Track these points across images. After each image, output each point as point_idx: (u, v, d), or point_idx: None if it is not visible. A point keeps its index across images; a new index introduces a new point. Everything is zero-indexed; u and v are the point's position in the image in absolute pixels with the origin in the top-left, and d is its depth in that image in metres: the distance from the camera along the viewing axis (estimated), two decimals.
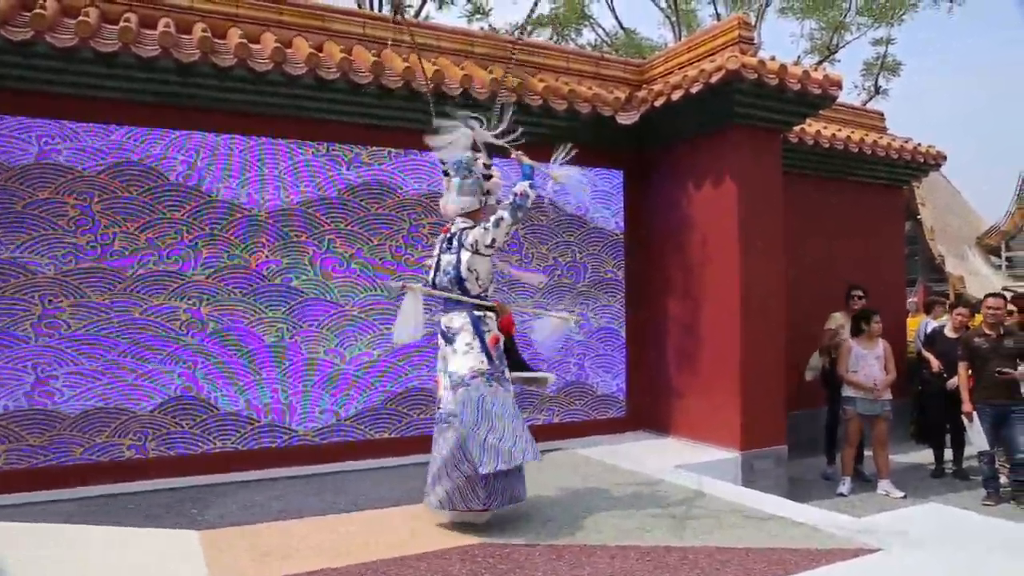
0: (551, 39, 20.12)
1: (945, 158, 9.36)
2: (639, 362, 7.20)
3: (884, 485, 6.73)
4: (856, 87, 21.53)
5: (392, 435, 6.03)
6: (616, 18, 23.33)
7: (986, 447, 6.37)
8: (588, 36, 21.88)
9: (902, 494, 6.59)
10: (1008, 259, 20.90)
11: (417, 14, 17.48)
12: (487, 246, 4.22)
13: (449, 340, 4.24)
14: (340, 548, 3.83)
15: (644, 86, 7.16)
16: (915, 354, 8.62)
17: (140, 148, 5.29)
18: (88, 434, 5.08)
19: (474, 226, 4.29)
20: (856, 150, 8.21)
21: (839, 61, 21.36)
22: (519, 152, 4.43)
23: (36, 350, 4.97)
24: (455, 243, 4.31)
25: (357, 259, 5.96)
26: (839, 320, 7.25)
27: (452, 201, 4.39)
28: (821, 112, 7.11)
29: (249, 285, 5.59)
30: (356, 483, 5.22)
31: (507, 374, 4.33)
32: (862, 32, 20.94)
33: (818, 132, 7.95)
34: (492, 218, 4.23)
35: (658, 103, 6.53)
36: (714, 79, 5.92)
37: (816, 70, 6.49)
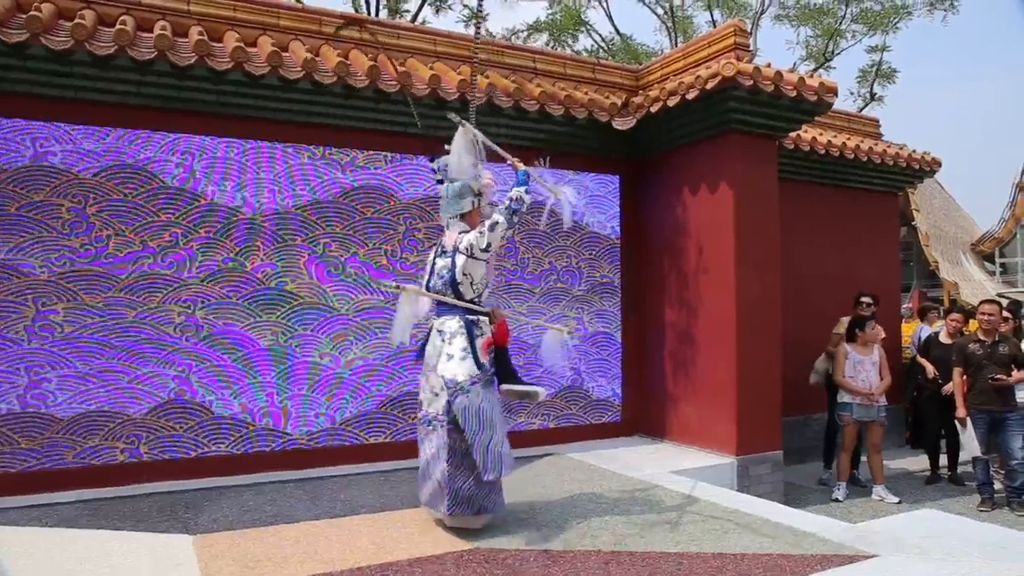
0: (548, 45, 20.17)
1: (940, 164, 9.39)
2: (635, 367, 7.20)
3: (879, 491, 6.74)
4: (852, 94, 21.65)
5: (387, 439, 6.02)
6: (613, 24, 23.49)
7: (980, 453, 6.39)
8: (585, 42, 21.97)
9: (897, 500, 6.61)
10: (1002, 265, 20.97)
11: (414, 19, 17.52)
12: (482, 250, 4.21)
13: (442, 344, 4.23)
14: (334, 553, 3.82)
15: (640, 92, 7.18)
16: (910, 360, 8.64)
17: (135, 151, 5.28)
18: (81, 437, 5.06)
19: (469, 230, 4.29)
20: (851, 156, 8.23)
21: (834, 68, 21.56)
22: (514, 158, 4.46)
23: (29, 353, 4.95)
24: (450, 247, 4.31)
25: (352, 263, 5.95)
26: (844, 325, 7.24)
27: (446, 205, 4.40)
28: (816, 119, 7.13)
29: (244, 289, 5.57)
30: (351, 488, 5.21)
31: (495, 381, 4.34)
32: (857, 40, 21.06)
33: (814, 139, 7.97)
34: (487, 222, 4.23)
35: (654, 109, 6.54)
36: (710, 85, 5.94)
37: (811, 77, 6.51)
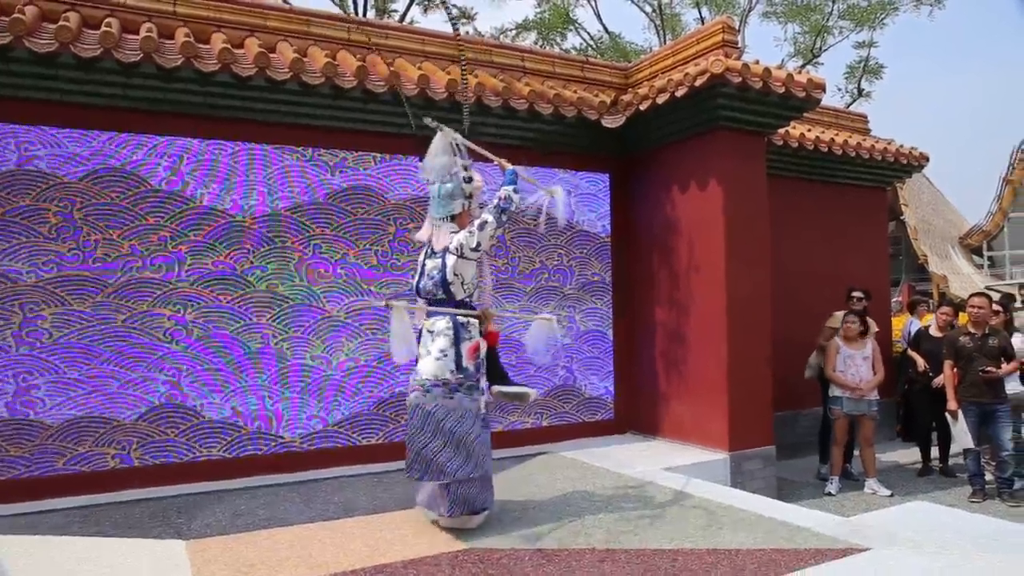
0: (536, 43, 20.17)
1: (928, 159, 9.44)
2: (627, 365, 7.21)
3: (871, 484, 6.78)
4: (839, 90, 21.74)
5: (380, 440, 6.00)
6: (601, 22, 23.45)
7: (971, 445, 6.43)
8: (573, 40, 21.96)
9: (889, 492, 6.64)
10: (990, 258, 21.13)
11: (402, 18, 17.48)
12: (472, 249, 4.21)
13: (429, 343, 4.22)
14: (328, 556, 3.80)
15: (629, 90, 7.19)
16: (900, 354, 8.69)
17: (122, 154, 5.24)
18: (71, 444, 5.02)
19: (459, 231, 4.28)
20: (840, 152, 8.27)
21: (822, 64, 21.60)
22: (500, 159, 4.47)
23: (17, 359, 4.91)
24: (439, 248, 4.30)
25: (343, 264, 5.93)
26: (839, 320, 7.24)
27: (436, 206, 4.39)
28: (805, 115, 7.16)
29: (234, 291, 5.55)
30: (344, 490, 5.19)
31: (482, 383, 4.31)
32: (844, 36, 21.15)
33: (802, 135, 8.00)
34: (476, 222, 4.25)
35: (643, 107, 6.55)
36: (698, 82, 5.94)
37: (800, 73, 6.53)
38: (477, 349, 4.26)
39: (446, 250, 4.25)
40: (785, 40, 22.32)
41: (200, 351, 5.42)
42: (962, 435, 6.43)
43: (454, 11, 18.59)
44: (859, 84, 21.62)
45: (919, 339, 7.88)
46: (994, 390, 6.40)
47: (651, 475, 5.41)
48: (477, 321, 4.33)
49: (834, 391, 6.91)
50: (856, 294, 7.46)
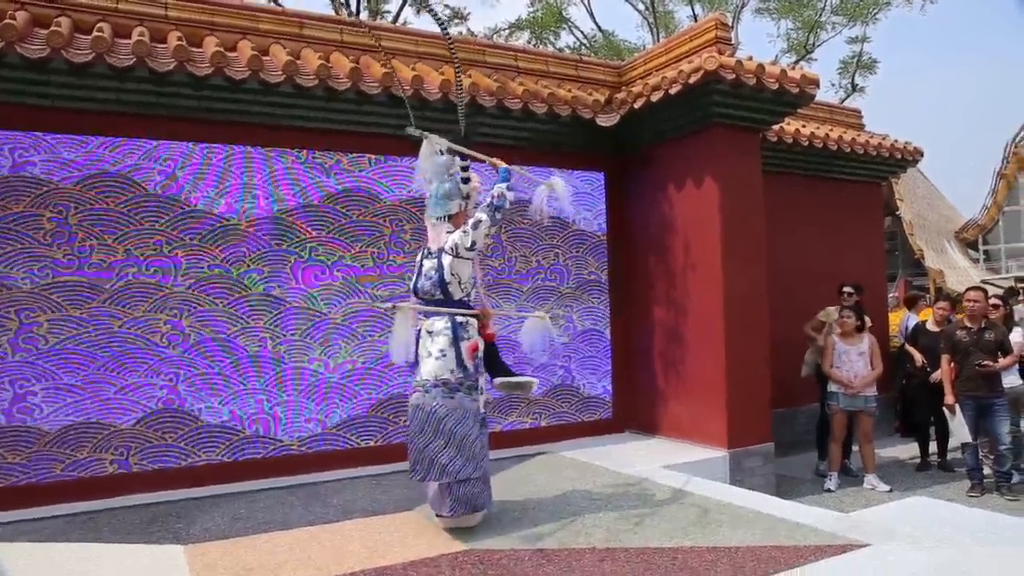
0: (530, 43, 20.16)
1: (922, 154, 9.46)
2: (625, 363, 7.21)
3: (870, 479, 6.78)
4: (833, 85, 21.78)
5: (378, 443, 6.00)
6: (594, 21, 23.50)
7: (969, 439, 6.43)
8: (567, 39, 21.96)
9: (888, 488, 6.65)
10: (985, 252, 21.17)
11: (395, 19, 17.47)
12: (467, 249, 4.22)
13: (429, 344, 4.22)
14: (327, 559, 3.80)
15: (623, 88, 7.18)
16: (897, 349, 8.70)
17: (116, 159, 5.23)
18: (69, 450, 5.01)
19: (455, 231, 4.28)
20: (834, 148, 8.28)
21: (816, 60, 21.62)
22: (493, 158, 4.49)
23: (13, 366, 4.89)
24: (435, 248, 4.30)
25: (339, 266, 5.92)
26: (832, 315, 7.25)
27: (433, 206, 4.40)
28: (799, 111, 7.16)
29: (231, 295, 5.54)
30: (343, 492, 5.18)
31: (482, 382, 4.32)
32: (837, 31, 21.19)
33: (796, 131, 8.00)
34: (471, 221, 4.26)
35: (637, 104, 6.55)
36: (692, 80, 5.95)
37: (793, 69, 6.53)
38: (476, 348, 4.27)
39: (442, 250, 4.25)
40: (778, 36, 22.34)
41: (197, 355, 5.41)
42: (960, 429, 6.44)
43: (445, 13, 18.62)
44: (852, 79, 21.67)
45: (917, 334, 7.89)
46: (991, 384, 6.41)
47: (650, 473, 5.41)
48: (475, 320, 4.33)
49: (831, 387, 6.93)
50: (846, 289, 7.47)
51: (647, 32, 22.13)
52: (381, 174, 6.12)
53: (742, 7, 21.27)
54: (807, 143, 8.02)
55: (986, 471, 6.64)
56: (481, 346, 4.32)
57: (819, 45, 21.50)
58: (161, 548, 4.04)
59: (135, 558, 3.89)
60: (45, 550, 4.03)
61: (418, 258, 4.46)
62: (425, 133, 4.30)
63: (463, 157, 4.44)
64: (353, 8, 17.02)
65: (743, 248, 6.28)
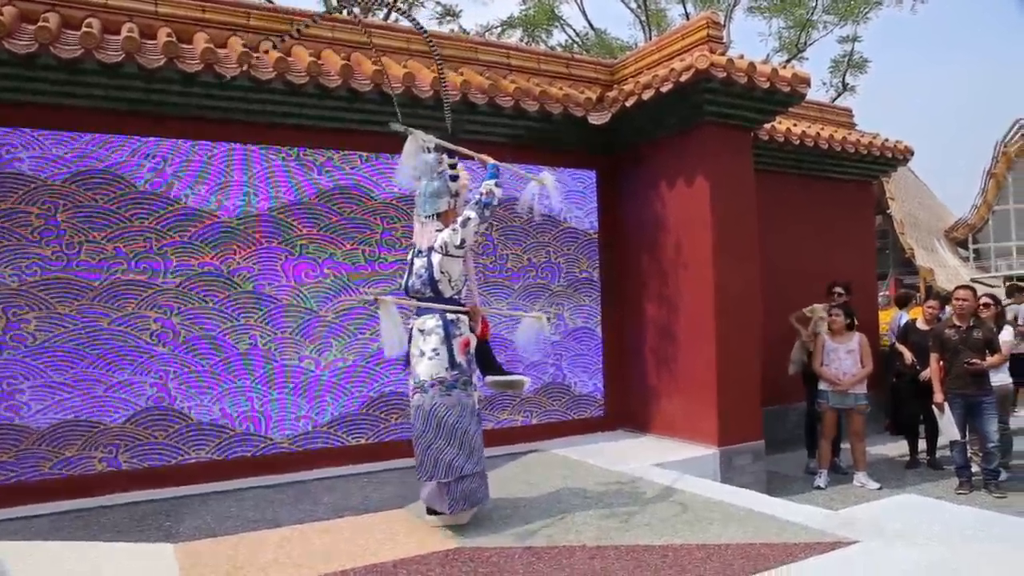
0: (522, 40, 20.14)
1: (913, 153, 9.50)
2: (616, 361, 7.22)
3: (860, 477, 6.82)
4: (824, 84, 21.84)
5: (369, 441, 5.99)
6: (586, 19, 23.48)
7: (957, 437, 6.47)
8: (559, 37, 21.95)
9: (878, 485, 6.68)
10: (975, 251, 21.31)
11: (387, 16, 17.40)
12: (456, 247, 4.21)
13: (420, 342, 4.22)
14: (317, 557, 3.79)
15: (615, 86, 7.19)
16: (888, 347, 8.74)
17: (105, 156, 5.20)
18: (58, 448, 4.98)
19: (444, 228, 4.28)
20: (825, 146, 8.31)
21: (807, 59, 21.67)
22: (481, 155, 4.49)
23: (1, 364, 4.86)
24: (425, 247, 4.30)
25: (330, 264, 5.91)
26: (818, 311, 7.26)
27: (422, 203, 4.39)
28: (790, 110, 7.18)
29: (221, 292, 5.51)
30: (333, 490, 5.17)
31: (475, 378, 4.33)
32: (829, 31, 21.24)
33: (788, 130, 8.03)
34: (459, 219, 4.26)
35: (629, 103, 6.55)
36: (684, 78, 5.95)
37: (784, 68, 6.55)
38: (468, 345, 4.27)
39: (431, 248, 4.25)
40: (770, 35, 22.39)
41: (187, 353, 5.38)
42: (949, 427, 6.47)
43: (436, 10, 18.59)
44: (844, 78, 21.74)
45: (907, 332, 7.93)
46: (979, 382, 6.44)
47: (641, 471, 5.42)
48: (466, 317, 4.33)
49: (821, 385, 6.96)
50: (836, 289, 7.51)
51: (639, 30, 22.15)
52: (373, 171, 6.11)
53: (734, 6, 21.31)
54: (798, 142, 8.04)
55: (974, 469, 6.68)
56: (473, 342, 4.33)
57: (811, 44, 21.56)
58: (151, 546, 4.02)
59: (125, 556, 3.87)
60: (34, 549, 4.00)
61: (409, 256, 4.46)
62: (410, 129, 4.28)
63: (451, 154, 4.43)
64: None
65: (735, 246, 6.29)
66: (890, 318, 9.18)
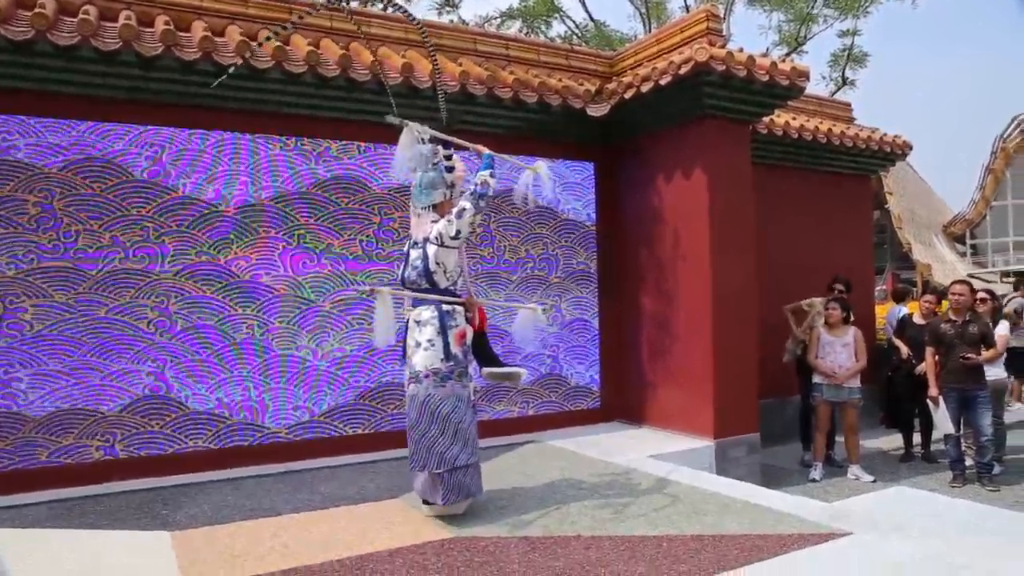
0: (521, 31, 20.07)
1: (911, 147, 9.50)
2: (613, 353, 7.23)
3: (854, 470, 6.85)
4: (824, 78, 21.78)
5: (366, 431, 6.00)
6: (586, 10, 23.32)
7: (952, 430, 6.50)
8: (558, 28, 21.85)
9: (872, 478, 6.71)
10: (972, 246, 21.34)
11: (385, 6, 17.33)
12: (452, 238, 4.21)
13: (416, 334, 4.23)
14: (314, 546, 3.80)
15: (614, 78, 7.18)
16: (885, 341, 8.76)
17: (103, 144, 5.18)
18: (55, 436, 4.99)
19: (440, 220, 4.27)
20: (824, 140, 8.30)
21: (807, 53, 21.59)
22: (477, 145, 4.49)
23: None
24: (420, 238, 4.29)
25: (327, 254, 5.91)
26: (816, 306, 7.26)
27: (417, 195, 4.39)
28: (789, 103, 7.18)
29: (218, 282, 5.51)
30: (330, 480, 5.18)
31: (471, 369, 4.34)
32: (829, 24, 21.17)
33: (786, 123, 8.02)
34: (455, 210, 4.25)
35: (628, 95, 6.54)
36: (683, 71, 5.94)
37: (784, 62, 6.54)
38: (464, 336, 4.27)
39: (427, 240, 4.25)
40: (770, 28, 22.31)
41: (184, 342, 5.38)
42: (943, 421, 6.50)
43: (436, 1, 18.51)
44: (843, 72, 21.68)
45: (903, 326, 7.95)
46: (974, 376, 6.46)
47: (637, 463, 5.44)
48: (462, 308, 4.33)
49: (816, 378, 6.98)
50: (837, 286, 7.53)
51: (639, 23, 22.04)
52: (370, 162, 6.10)
53: None
54: (797, 135, 8.04)
55: (968, 462, 6.71)
56: (469, 334, 4.33)
57: (810, 38, 21.46)
58: (148, 534, 4.03)
59: (122, 545, 3.88)
60: (31, 536, 4.01)
61: (406, 247, 4.46)
62: (405, 121, 4.26)
63: (446, 145, 4.42)
64: None
65: (732, 240, 6.30)
66: (887, 312, 9.20)
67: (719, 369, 6.19)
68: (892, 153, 9.32)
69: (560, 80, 6.78)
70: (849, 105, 9.96)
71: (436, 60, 4.68)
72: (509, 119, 6.51)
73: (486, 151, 4.46)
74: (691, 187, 6.41)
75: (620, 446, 6.07)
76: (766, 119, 7.42)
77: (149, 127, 5.31)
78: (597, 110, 6.71)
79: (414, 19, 4.91)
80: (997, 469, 6.70)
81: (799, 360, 7.33)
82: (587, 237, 7.17)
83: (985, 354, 6.49)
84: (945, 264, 19.02)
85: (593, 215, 7.20)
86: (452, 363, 4.17)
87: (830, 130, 8.44)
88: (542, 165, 4.75)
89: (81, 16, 4.82)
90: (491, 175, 4.33)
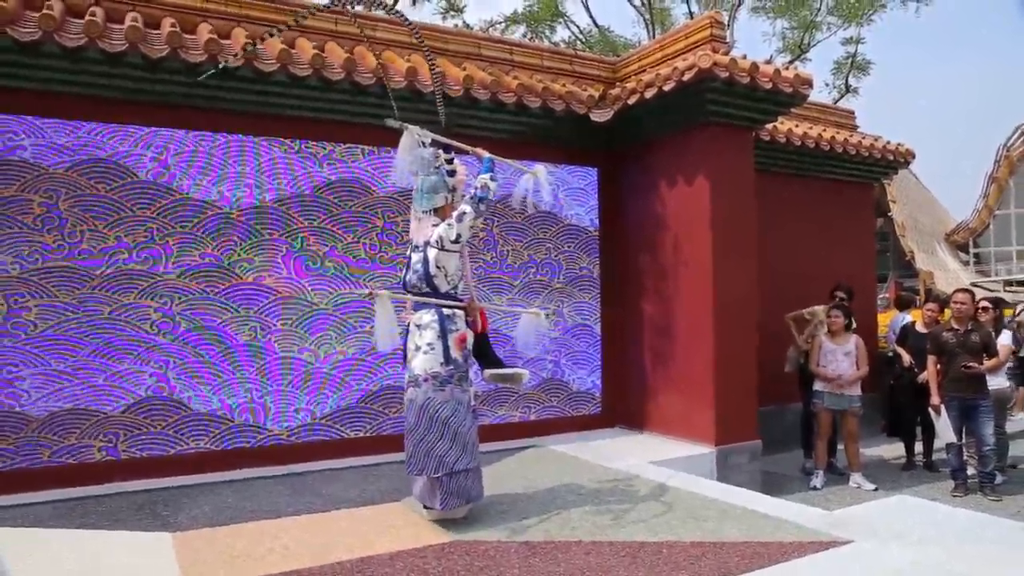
0: (525, 37, 20.11)
1: (914, 155, 9.50)
2: (614, 359, 7.23)
3: (856, 478, 6.84)
4: (827, 86, 21.82)
5: (368, 434, 6.00)
6: (590, 16, 23.44)
7: (954, 439, 6.49)
8: (562, 33, 21.91)
9: (873, 487, 6.70)
10: (975, 255, 21.30)
11: (390, 11, 17.37)
12: (452, 241, 4.22)
13: (417, 337, 4.23)
14: (314, 548, 3.81)
15: (618, 84, 7.19)
16: (888, 350, 8.74)
17: (108, 145, 5.20)
18: (57, 436, 5.00)
19: (440, 223, 4.28)
20: (827, 148, 8.31)
21: (810, 60, 21.63)
22: (477, 148, 4.50)
23: (1, 351, 4.87)
24: (421, 242, 4.30)
25: (331, 257, 5.92)
26: (819, 314, 7.27)
27: (419, 199, 4.40)
28: (792, 110, 7.19)
29: (221, 284, 5.52)
30: (331, 483, 5.19)
31: (471, 374, 4.33)
32: (832, 32, 21.22)
33: (789, 130, 8.03)
34: (455, 213, 4.26)
35: (631, 101, 6.55)
36: (686, 77, 5.96)
37: (787, 69, 6.55)
38: (464, 340, 4.27)
39: (427, 243, 4.25)
40: (773, 35, 22.35)
41: (187, 343, 5.39)
42: (945, 430, 6.49)
43: (441, 5, 18.56)
44: (847, 80, 21.71)
45: (906, 335, 7.94)
46: (976, 385, 6.45)
47: (638, 469, 5.44)
48: (463, 312, 4.33)
49: (817, 385, 6.98)
50: (839, 294, 7.53)
51: (643, 29, 22.10)
52: (374, 165, 6.11)
53: (738, 5, 21.27)
54: (800, 143, 8.05)
55: (970, 472, 6.70)
56: (470, 337, 4.33)
57: (814, 45, 21.51)
58: (149, 535, 4.04)
59: (122, 545, 3.88)
60: (31, 536, 4.02)
61: (408, 251, 4.47)
62: (405, 124, 4.28)
63: (447, 149, 4.43)
64: None
65: (734, 246, 6.31)
66: (889, 320, 9.18)
67: (720, 375, 6.19)
68: (895, 161, 9.33)
69: (564, 85, 6.79)
70: (852, 113, 9.97)
71: (433, 61, 4.69)
72: (513, 124, 6.53)
73: (486, 154, 4.47)
74: (693, 193, 6.41)
75: (621, 452, 6.07)
76: (769, 126, 7.43)
77: (154, 128, 5.33)
78: (600, 116, 6.73)
79: (408, 22, 4.93)
80: (999, 479, 6.68)
81: (801, 368, 7.33)
82: (590, 242, 7.18)
83: (987, 363, 6.48)
84: (948, 272, 18.99)
85: (596, 220, 7.21)
86: (452, 367, 4.17)
87: (833, 138, 8.45)
88: (541, 169, 4.79)
89: (88, 18, 4.85)
90: (491, 178, 4.34)
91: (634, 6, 22.02)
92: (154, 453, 5.27)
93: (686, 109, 6.35)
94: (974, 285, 14.60)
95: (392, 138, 5.28)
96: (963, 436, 6.61)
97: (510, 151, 5.56)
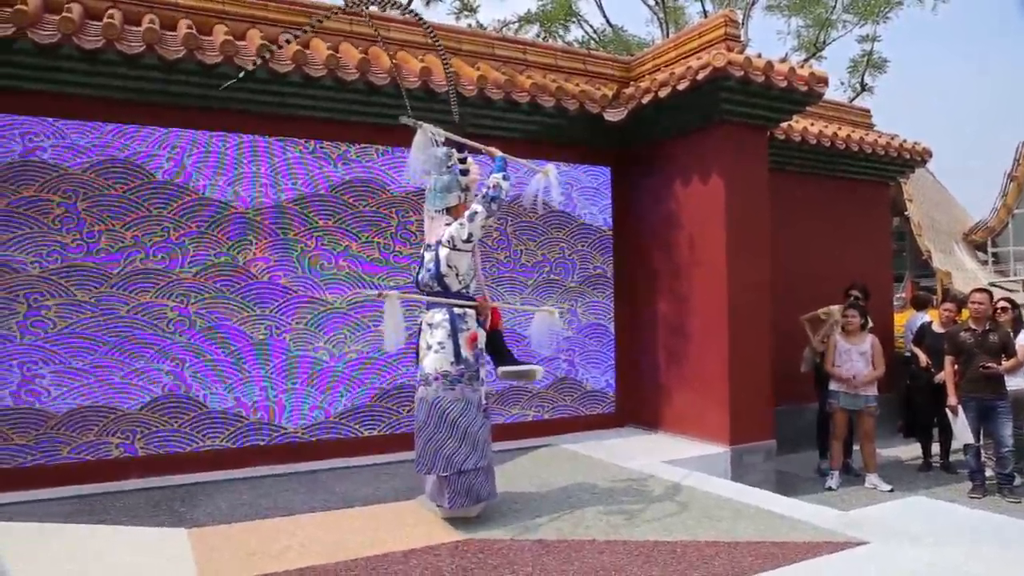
0: (539, 36, 20.11)
1: (931, 154, 9.42)
2: (628, 358, 7.22)
3: (872, 479, 6.79)
4: (843, 84, 21.65)
5: (382, 432, 6.03)
6: (604, 15, 23.35)
7: (971, 440, 6.43)
8: (576, 33, 21.87)
9: (889, 487, 6.65)
10: (994, 255, 21.07)
11: (404, 11, 17.42)
12: (464, 241, 4.22)
13: (428, 336, 4.24)
14: (329, 546, 3.83)
15: (632, 83, 7.18)
16: (904, 350, 8.67)
17: (126, 145, 5.26)
18: (75, 433, 5.06)
19: (452, 222, 4.29)
20: (842, 147, 8.26)
21: (825, 58, 21.47)
22: (489, 147, 4.50)
23: (21, 349, 4.93)
24: (434, 241, 4.31)
25: (345, 256, 5.95)
26: (834, 314, 7.22)
27: (432, 198, 4.41)
28: (807, 109, 7.15)
29: (237, 283, 5.57)
30: (345, 481, 5.21)
31: (483, 373, 4.33)
32: (848, 30, 21.05)
33: (804, 129, 7.99)
34: (467, 213, 4.26)
35: (645, 100, 6.54)
36: (701, 76, 5.94)
37: (802, 67, 6.52)
38: (475, 339, 4.28)
39: (439, 242, 4.26)
40: (788, 34, 22.20)
41: (203, 342, 5.44)
42: (962, 431, 6.44)
43: (455, 5, 18.59)
44: (862, 79, 21.53)
45: (923, 335, 7.87)
46: (994, 386, 6.40)
47: (651, 468, 5.43)
48: (474, 312, 4.34)
49: (832, 385, 6.94)
50: (854, 292, 7.47)
51: (657, 28, 22.03)
52: (389, 165, 6.14)
53: (752, 4, 21.14)
54: (815, 141, 8.00)
55: (988, 473, 6.64)
56: (481, 337, 4.34)
57: (829, 43, 21.35)
58: (165, 531, 4.08)
59: (139, 541, 3.93)
60: (51, 531, 4.07)
61: (422, 250, 4.48)
62: (419, 122, 4.28)
63: (460, 148, 4.44)
64: None
65: (748, 246, 6.28)
66: (906, 320, 9.11)
67: (734, 375, 6.17)
68: (911, 160, 9.25)
69: (577, 85, 6.79)
70: (868, 111, 9.89)
71: (447, 60, 4.69)
72: (526, 123, 6.53)
73: (499, 153, 4.48)
74: (707, 192, 6.39)
75: (634, 451, 6.06)
76: (784, 125, 7.39)
77: (171, 129, 5.39)
78: (614, 115, 6.72)
79: (422, 21, 4.95)
80: (1018, 480, 6.62)
81: (817, 368, 7.29)
82: (603, 241, 7.17)
83: (1006, 364, 6.42)
84: (966, 272, 18.79)
85: (609, 220, 7.20)
86: (462, 366, 4.17)
87: (848, 136, 8.39)
88: (551, 169, 4.79)
89: (106, 20, 4.90)
90: (503, 177, 4.34)
91: (648, 5, 21.95)
92: (171, 450, 5.32)
93: (700, 108, 6.33)
94: (992, 285, 14.45)
95: (405, 137, 5.30)
96: (981, 437, 6.55)
97: (523, 150, 5.57)
